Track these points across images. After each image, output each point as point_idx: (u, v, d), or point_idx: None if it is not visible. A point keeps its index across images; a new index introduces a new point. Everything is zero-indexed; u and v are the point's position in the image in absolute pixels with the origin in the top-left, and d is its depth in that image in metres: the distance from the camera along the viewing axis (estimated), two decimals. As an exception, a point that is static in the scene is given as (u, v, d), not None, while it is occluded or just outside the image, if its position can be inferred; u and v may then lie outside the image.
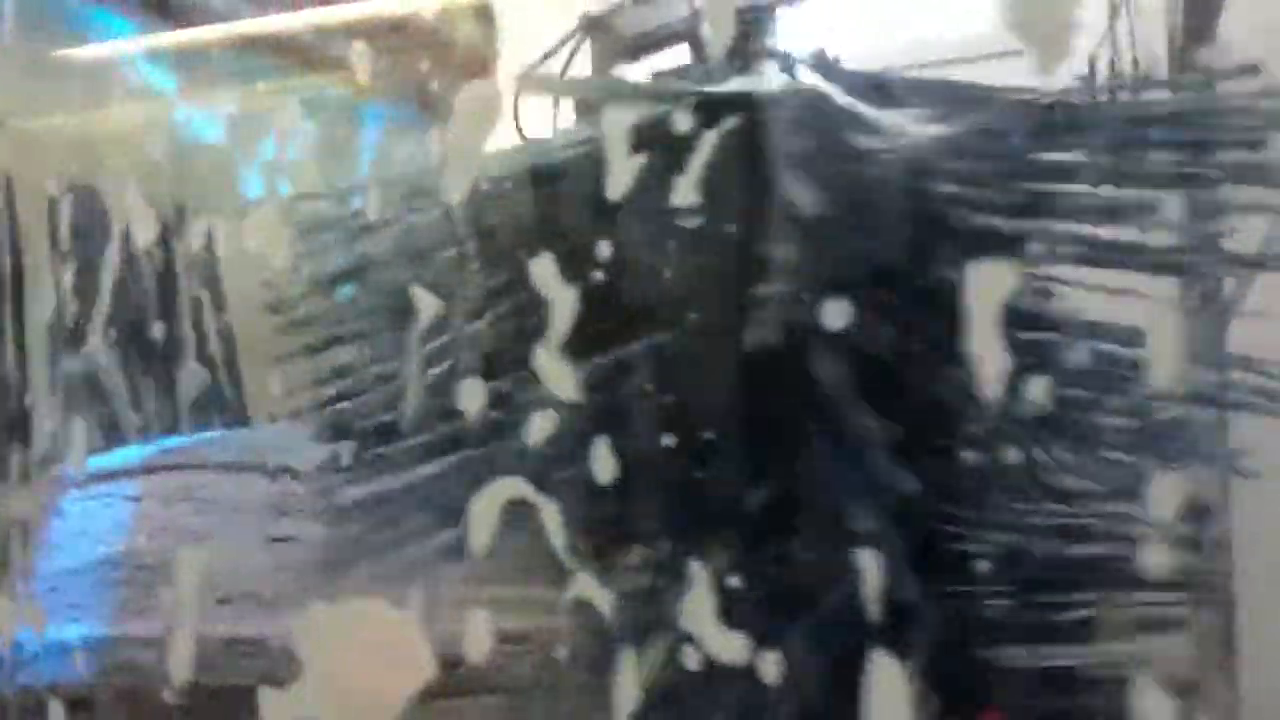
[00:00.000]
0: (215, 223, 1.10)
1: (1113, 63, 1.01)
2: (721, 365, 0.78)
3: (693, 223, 0.77)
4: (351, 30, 1.24)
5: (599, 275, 0.77)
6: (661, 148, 0.76)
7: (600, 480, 0.72)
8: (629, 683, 0.67)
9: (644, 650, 0.70)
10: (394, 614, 0.69)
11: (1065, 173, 0.84)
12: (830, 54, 0.95)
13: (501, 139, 1.05)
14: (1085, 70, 1.02)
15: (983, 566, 0.77)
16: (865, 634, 0.64)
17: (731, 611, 0.69)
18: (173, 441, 1.09)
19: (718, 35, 0.89)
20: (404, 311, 0.86)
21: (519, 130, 1.05)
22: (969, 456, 0.78)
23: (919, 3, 1.16)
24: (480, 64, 1.30)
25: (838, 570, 0.69)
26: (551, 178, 0.87)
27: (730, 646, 0.68)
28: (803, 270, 0.77)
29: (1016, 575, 0.77)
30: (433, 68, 1.29)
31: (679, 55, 1.05)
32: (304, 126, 1.18)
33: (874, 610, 0.66)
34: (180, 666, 0.75)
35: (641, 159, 0.74)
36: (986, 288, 0.62)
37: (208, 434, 1.10)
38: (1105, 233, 0.83)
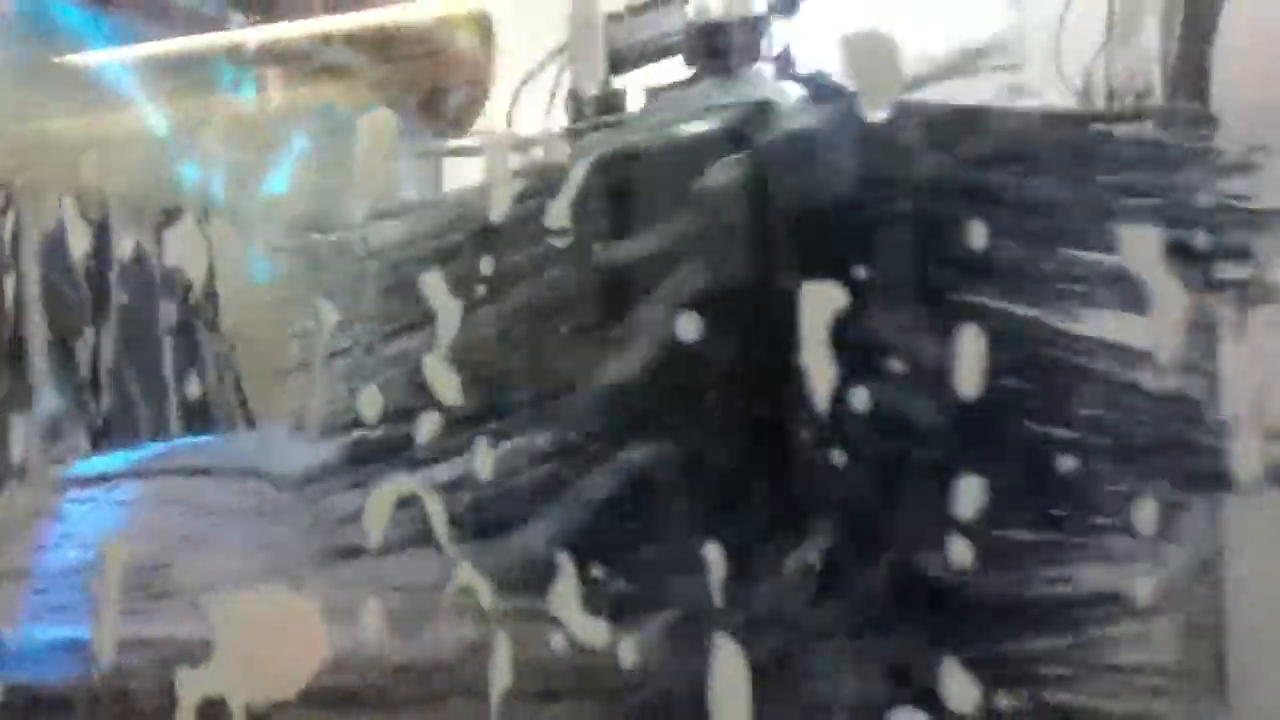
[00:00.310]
0: (207, 230, 1.11)
1: (1109, 85, 1.00)
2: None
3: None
4: (350, 39, 1.24)
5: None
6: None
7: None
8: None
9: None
10: (295, 600, 0.78)
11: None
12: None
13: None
14: (1080, 88, 1.03)
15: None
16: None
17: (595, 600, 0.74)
18: (161, 446, 1.09)
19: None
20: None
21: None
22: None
23: (913, 17, 1.16)
24: (477, 72, 1.30)
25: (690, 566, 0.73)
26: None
27: (594, 632, 0.74)
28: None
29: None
30: (431, 76, 1.29)
31: (673, 67, 1.06)
32: (301, 136, 1.18)
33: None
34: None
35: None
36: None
37: (196, 439, 1.11)
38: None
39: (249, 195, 1.21)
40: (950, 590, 0.74)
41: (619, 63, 1.12)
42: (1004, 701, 0.73)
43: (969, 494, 0.70)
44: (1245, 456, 0.74)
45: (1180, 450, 0.79)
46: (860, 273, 0.76)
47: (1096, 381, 0.80)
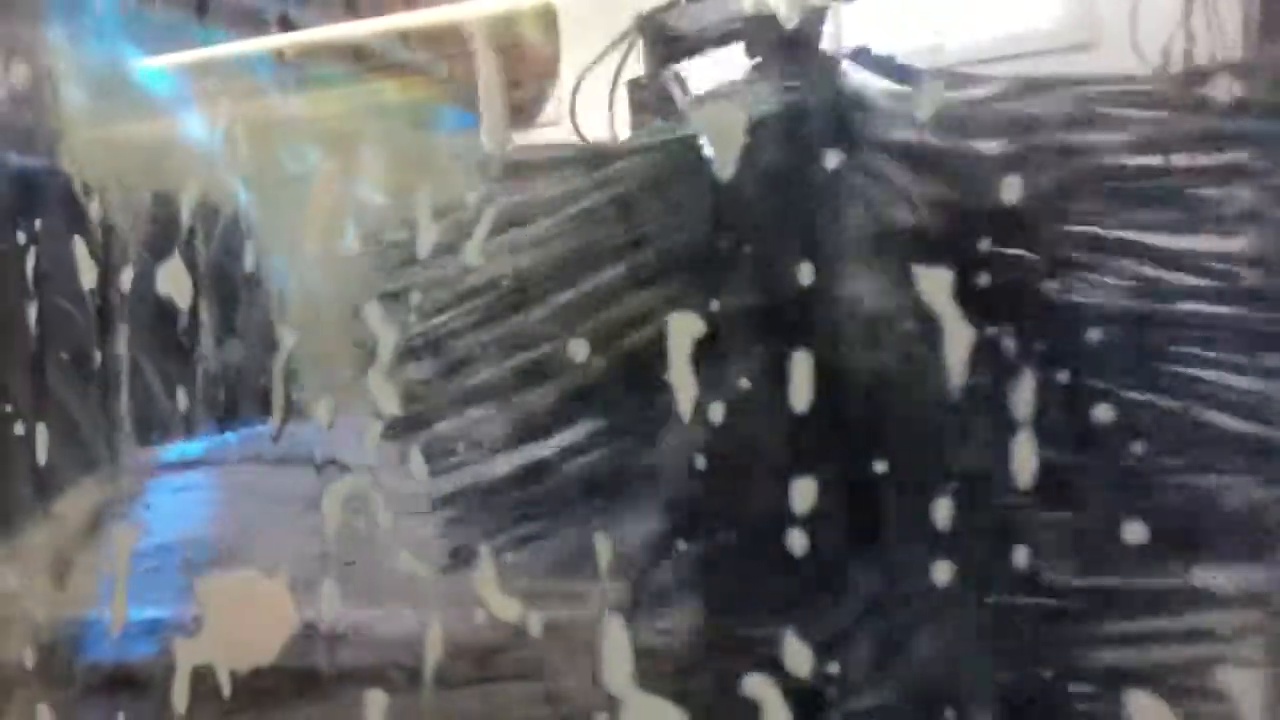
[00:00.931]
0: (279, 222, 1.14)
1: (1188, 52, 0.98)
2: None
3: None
4: (417, 36, 1.25)
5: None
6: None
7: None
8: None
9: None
10: (267, 582, 0.90)
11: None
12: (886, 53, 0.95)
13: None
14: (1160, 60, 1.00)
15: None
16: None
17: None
18: (235, 435, 1.13)
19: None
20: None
21: (577, 131, 1.08)
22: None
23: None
24: (543, 64, 1.30)
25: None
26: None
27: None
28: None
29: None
30: (498, 72, 1.30)
31: (733, 54, 1.06)
32: (373, 133, 1.21)
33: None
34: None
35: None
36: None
37: (259, 429, 1.14)
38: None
39: (318, 194, 1.23)
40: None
41: (676, 50, 1.13)
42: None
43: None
44: None
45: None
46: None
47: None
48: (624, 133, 1.09)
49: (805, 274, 0.79)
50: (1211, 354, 0.81)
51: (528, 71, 1.32)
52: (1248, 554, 0.77)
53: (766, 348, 0.80)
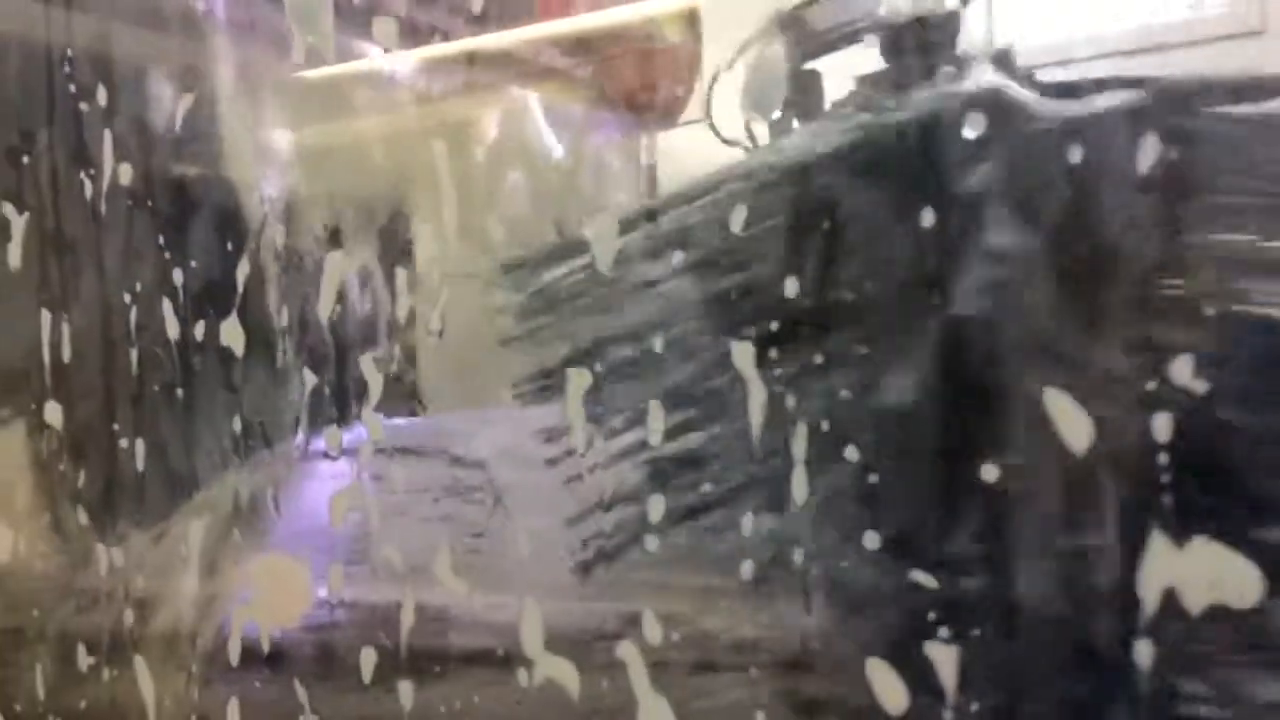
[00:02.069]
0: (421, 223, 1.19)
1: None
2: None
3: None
4: (568, 42, 1.28)
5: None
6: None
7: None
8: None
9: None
10: (294, 563, 0.97)
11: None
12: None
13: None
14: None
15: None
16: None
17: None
18: (368, 427, 1.18)
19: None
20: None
21: (713, 129, 1.06)
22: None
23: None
24: (685, 65, 1.31)
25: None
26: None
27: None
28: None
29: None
30: (640, 74, 1.32)
31: (870, 49, 1.01)
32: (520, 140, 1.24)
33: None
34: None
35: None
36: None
37: (400, 420, 1.19)
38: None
39: (469, 198, 1.27)
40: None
41: (813, 47, 1.09)
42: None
43: None
44: None
45: None
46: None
47: None
48: (761, 131, 1.04)
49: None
50: None
51: (669, 71, 1.30)
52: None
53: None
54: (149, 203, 1.14)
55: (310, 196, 1.20)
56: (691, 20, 1.35)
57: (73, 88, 1.14)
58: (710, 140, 1.05)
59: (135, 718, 1.03)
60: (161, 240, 1.11)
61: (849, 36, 1.05)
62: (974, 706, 0.61)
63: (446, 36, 1.35)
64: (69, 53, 1.15)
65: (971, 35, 0.88)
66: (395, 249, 1.22)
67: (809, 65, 1.07)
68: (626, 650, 0.81)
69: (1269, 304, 0.67)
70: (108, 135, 1.09)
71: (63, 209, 1.18)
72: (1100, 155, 0.74)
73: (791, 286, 0.82)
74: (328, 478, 1.11)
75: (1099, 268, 0.67)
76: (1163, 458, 0.57)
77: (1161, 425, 0.58)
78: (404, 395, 1.11)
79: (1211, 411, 0.57)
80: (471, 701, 0.91)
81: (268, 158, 1.20)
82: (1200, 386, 0.57)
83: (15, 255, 1.16)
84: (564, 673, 0.84)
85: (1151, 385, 0.58)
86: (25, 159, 1.18)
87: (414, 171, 1.32)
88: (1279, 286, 0.67)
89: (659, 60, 1.38)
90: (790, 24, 1.11)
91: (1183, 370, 0.58)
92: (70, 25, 1.17)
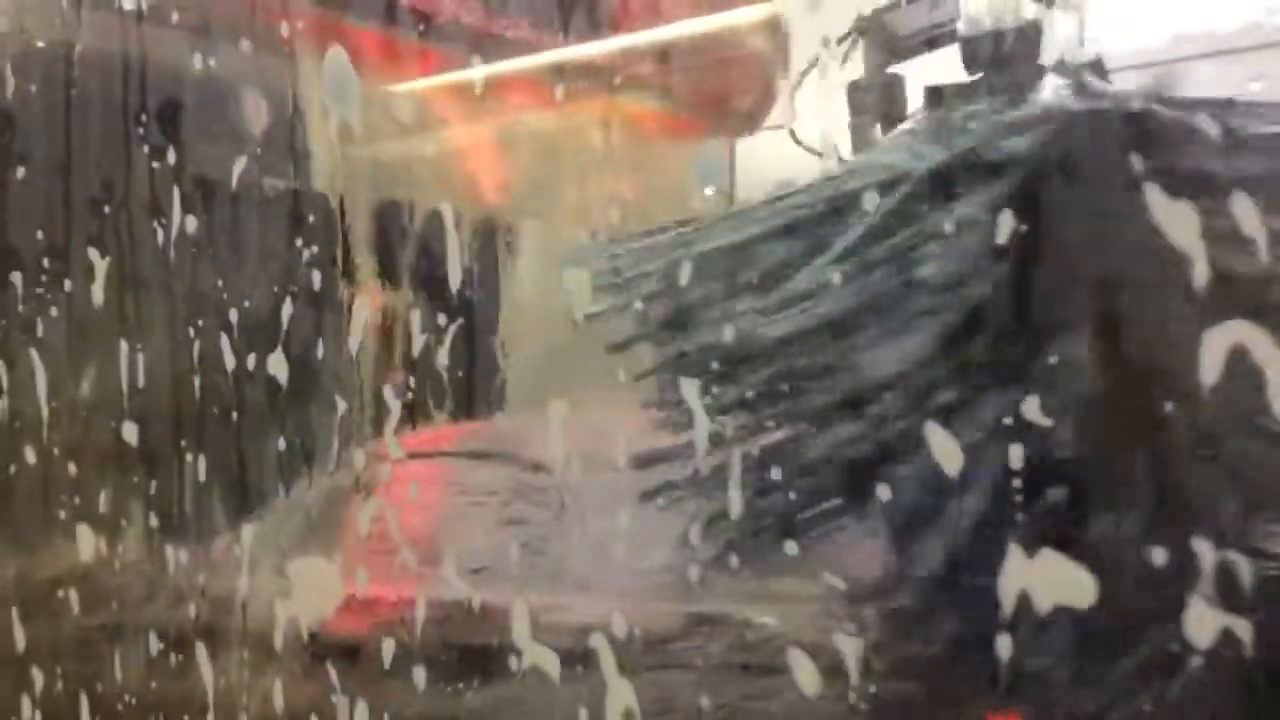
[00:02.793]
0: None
1: None
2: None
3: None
4: (654, 53, 1.24)
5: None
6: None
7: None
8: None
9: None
10: (327, 565, 1.06)
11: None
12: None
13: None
14: None
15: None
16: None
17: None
18: (445, 429, 1.19)
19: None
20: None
21: (793, 136, 1.05)
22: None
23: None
24: (770, 72, 1.26)
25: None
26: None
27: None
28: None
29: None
30: (726, 82, 1.31)
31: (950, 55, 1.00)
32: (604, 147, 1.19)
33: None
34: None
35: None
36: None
37: (470, 424, 1.21)
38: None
39: (557, 205, 1.25)
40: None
41: (896, 51, 1.11)
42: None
43: None
44: None
45: None
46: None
47: None
48: (843, 136, 1.06)
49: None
50: None
51: (751, 78, 1.29)
52: None
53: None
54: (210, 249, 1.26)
55: (406, 205, 1.18)
56: (775, 28, 1.27)
57: (146, 148, 1.25)
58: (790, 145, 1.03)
59: (198, 696, 1.13)
60: (220, 283, 1.23)
61: (929, 42, 1.06)
62: (872, 689, 0.72)
63: (534, 49, 1.27)
64: (143, 116, 1.26)
65: (1064, 39, 0.87)
66: (490, 255, 1.27)
67: (892, 69, 1.08)
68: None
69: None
70: (176, 190, 1.22)
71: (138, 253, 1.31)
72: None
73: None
74: (408, 480, 1.13)
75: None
76: (1016, 482, 0.68)
77: (1015, 454, 0.68)
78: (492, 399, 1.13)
79: (1055, 443, 0.67)
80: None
81: (359, 170, 1.20)
82: (1046, 422, 0.67)
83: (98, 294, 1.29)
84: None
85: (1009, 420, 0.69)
86: (105, 209, 1.31)
87: (507, 180, 1.33)
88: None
89: (741, 68, 1.33)
90: (871, 29, 1.11)
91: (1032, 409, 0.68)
92: (145, 86, 1.27)
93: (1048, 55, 0.87)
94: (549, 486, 1.08)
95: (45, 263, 1.38)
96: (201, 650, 1.13)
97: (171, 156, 1.21)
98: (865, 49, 1.12)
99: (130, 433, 1.24)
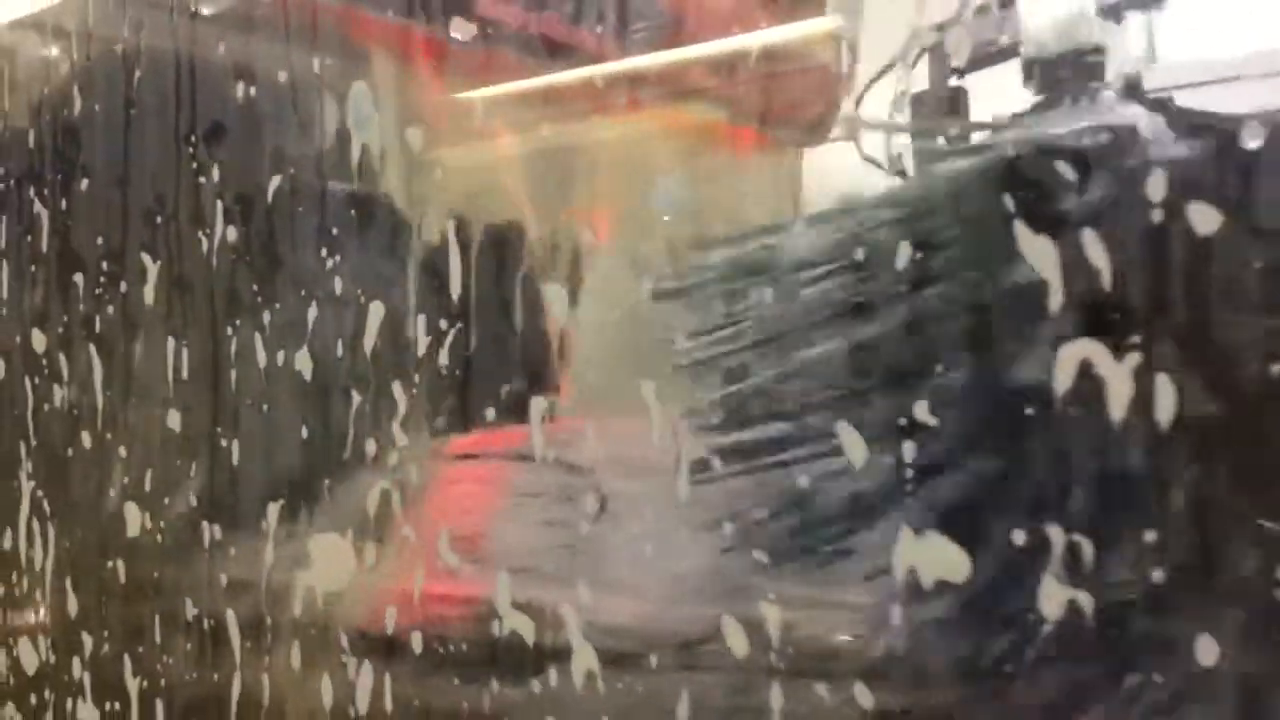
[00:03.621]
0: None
1: None
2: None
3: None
4: (712, 65, 1.24)
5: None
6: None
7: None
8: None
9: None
10: (340, 540, 1.15)
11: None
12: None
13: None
14: None
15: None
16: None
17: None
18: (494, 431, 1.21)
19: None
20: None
21: (858, 148, 1.05)
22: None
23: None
24: (832, 84, 1.23)
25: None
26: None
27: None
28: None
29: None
30: (788, 94, 1.26)
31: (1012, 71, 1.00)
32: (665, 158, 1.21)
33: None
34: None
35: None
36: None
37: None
38: None
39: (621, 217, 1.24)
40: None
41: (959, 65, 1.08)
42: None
43: None
44: None
45: None
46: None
47: None
48: (907, 150, 1.04)
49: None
50: None
51: (816, 90, 1.26)
52: None
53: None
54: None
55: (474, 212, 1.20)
56: (838, 39, 1.25)
57: (195, 165, 1.36)
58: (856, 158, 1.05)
59: (226, 667, 1.23)
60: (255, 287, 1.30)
61: (991, 57, 1.05)
62: (790, 650, 0.82)
63: (598, 58, 1.28)
64: (192, 137, 1.36)
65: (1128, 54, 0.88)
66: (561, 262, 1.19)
67: (954, 82, 1.08)
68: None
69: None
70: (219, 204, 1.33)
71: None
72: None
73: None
74: (461, 480, 1.20)
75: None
76: (908, 472, 0.77)
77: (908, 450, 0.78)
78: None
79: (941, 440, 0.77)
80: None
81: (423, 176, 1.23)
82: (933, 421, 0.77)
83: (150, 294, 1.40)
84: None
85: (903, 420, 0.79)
86: (158, 219, 1.41)
87: (567, 189, 1.28)
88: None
89: (805, 79, 1.29)
90: (936, 43, 1.08)
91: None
92: (195, 107, 1.37)
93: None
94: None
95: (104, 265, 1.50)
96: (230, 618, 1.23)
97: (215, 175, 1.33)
98: (930, 62, 1.10)
99: (173, 419, 1.33)
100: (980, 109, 1.04)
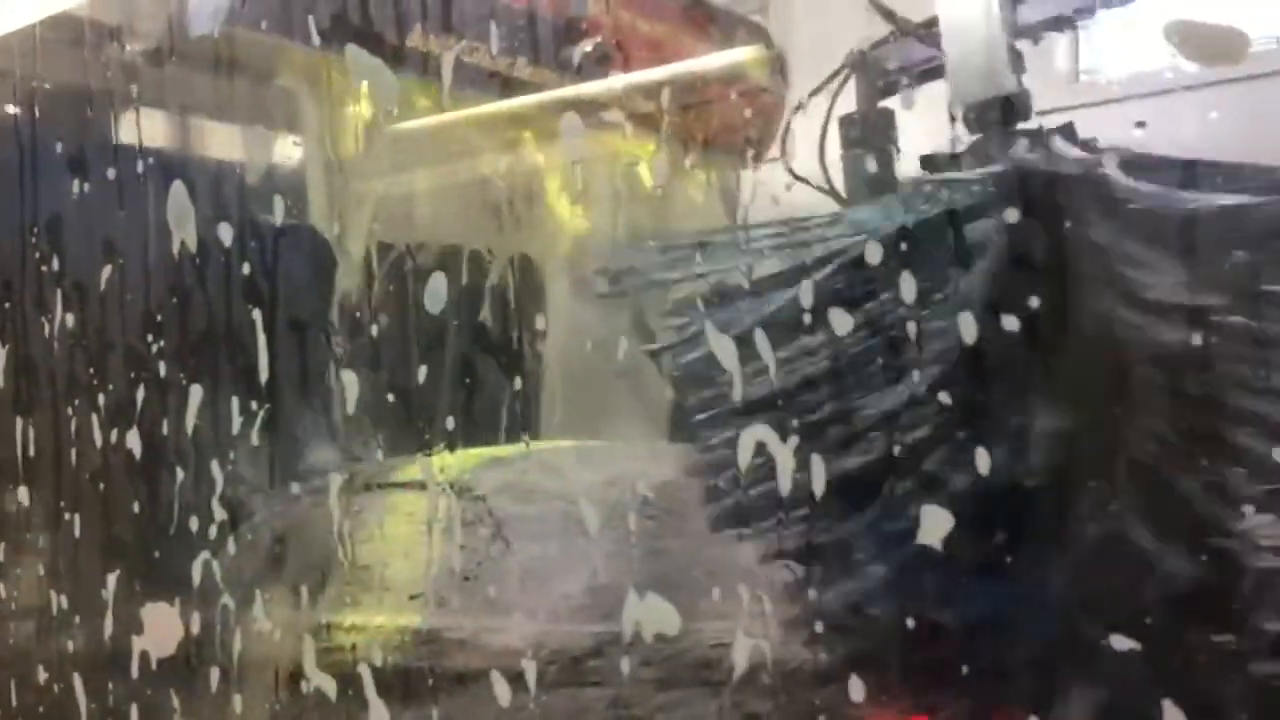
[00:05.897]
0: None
1: None
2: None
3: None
4: (657, 89, 1.30)
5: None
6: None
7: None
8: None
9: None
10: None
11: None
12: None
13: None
14: None
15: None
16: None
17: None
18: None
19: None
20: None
21: (788, 169, 1.10)
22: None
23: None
24: (771, 107, 1.34)
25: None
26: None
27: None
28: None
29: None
30: (728, 117, 1.31)
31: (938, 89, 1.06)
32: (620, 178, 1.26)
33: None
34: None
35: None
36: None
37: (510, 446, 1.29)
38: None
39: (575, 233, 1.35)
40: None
41: (887, 86, 1.17)
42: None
43: None
44: None
45: None
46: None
47: None
48: (836, 169, 1.13)
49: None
50: None
51: (755, 111, 1.33)
52: None
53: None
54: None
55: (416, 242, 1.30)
56: (778, 66, 1.41)
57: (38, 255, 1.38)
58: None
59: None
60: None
61: (917, 77, 1.12)
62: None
63: (540, 87, 1.43)
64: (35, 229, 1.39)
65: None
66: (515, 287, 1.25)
67: (881, 104, 1.15)
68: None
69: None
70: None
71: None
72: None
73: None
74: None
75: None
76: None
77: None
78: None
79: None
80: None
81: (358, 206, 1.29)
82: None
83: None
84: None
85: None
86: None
87: (518, 214, 1.41)
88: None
89: (743, 103, 1.39)
90: (862, 65, 1.18)
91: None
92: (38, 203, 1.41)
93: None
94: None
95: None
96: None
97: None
98: (856, 84, 1.18)
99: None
100: (909, 127, 1.10)
